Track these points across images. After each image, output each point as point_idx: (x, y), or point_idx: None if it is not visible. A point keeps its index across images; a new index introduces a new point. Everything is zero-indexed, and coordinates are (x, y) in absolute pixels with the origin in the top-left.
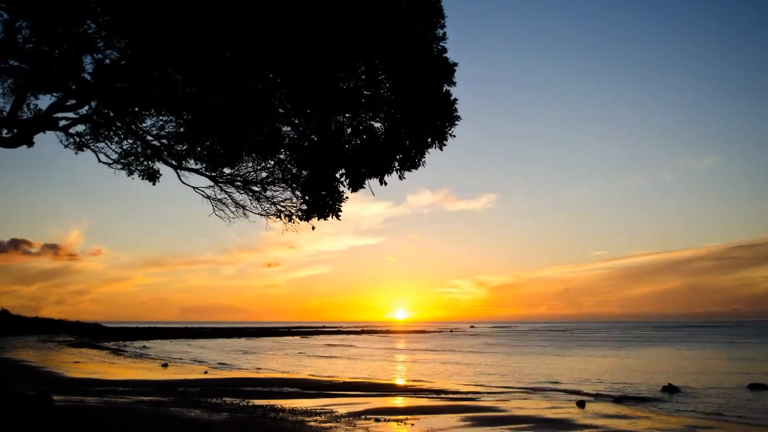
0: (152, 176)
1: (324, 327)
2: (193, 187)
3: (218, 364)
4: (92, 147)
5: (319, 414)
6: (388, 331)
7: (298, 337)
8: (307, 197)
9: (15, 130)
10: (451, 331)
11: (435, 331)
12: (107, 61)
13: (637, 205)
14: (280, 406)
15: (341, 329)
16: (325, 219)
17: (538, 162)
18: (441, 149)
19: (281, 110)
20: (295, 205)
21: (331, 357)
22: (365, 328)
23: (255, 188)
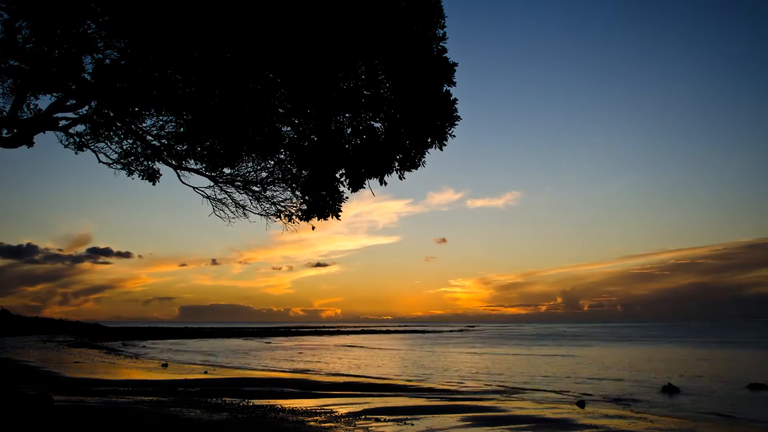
0: (152, 176)
1: (325, 327)
2: (193, 187)
3: (218, 364)
4: (92, 147)
5: (319, 414)
6: (388, 331)
7: (299, 337)
8: (307, 197)
9: (15, 130)
10: (451, 331)
11: (436, 331)
12: (107, 61)
13: (661, 202)
14: (280, 406)
15: (341, 329)
16: (325, 219)
17: (567, 159)
18: (441, 149)
19: (281, 110)
20: (295, 205)
21: (331, 357)
22: (365, 328)
23: (255, 188)
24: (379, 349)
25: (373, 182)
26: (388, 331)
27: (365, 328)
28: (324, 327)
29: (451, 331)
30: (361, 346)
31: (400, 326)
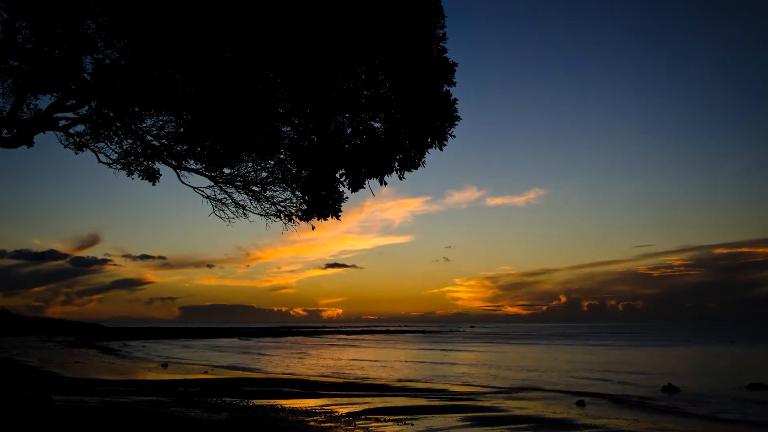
0: (152, 176)
1: (325, 327)
2: (193, 187)
3: (218, 364)
4: (92, 147)
5: (319, 414)
6: (387, 331)
7: (300, 337)
8: (307, 197)
9: (15, 130)
10: (451, 331)
11: (436, 331)
12: (107, 61)
13: (686, 199)
14: (280, 406)
15: (341, 329)
16: (324, 219)
17: (595, 156)
18: (441, 149)
19: (281, 110)
20: (295, 205)
21: (331, 357)
22: (365, 328)
23: (255, 188)
24: (379, 348)
25: (374, 182)
26: (388, 332)
27: (365, 328)
28: (326, 327)
29: (451, 330)
30: (365, 346)
31: (399, 326)
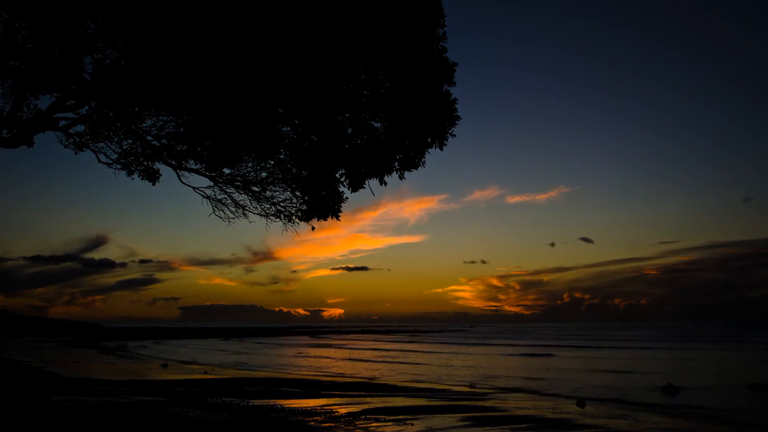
0: (152, 176)
1: (327, 327)
2: (193, 188)
3: (218, 364)
4: (92, 147)
5: (319, 414)
6: (388, 331)
7: (301, 337)
8: (307, 197)
9: (15, 130)
10: (451, 331)
11: (437, 331)
12: (107, 61)
13: (710, 195)
14: (280, 406)
15: (341, 329)
16: (324, 219)
17: (618, 154)
18: (441, 149)
19: (281, 110)
20: (294, 205)
21: (331, 357)
22: (365, 328)
23: (255, 188)
24: (379, 348)
25: (374, 182)
26: (388, 331)
27: (365, 328)
28: (327, 327)
29: (451, 330)
30: (365, 346)
31: (406, 326)
